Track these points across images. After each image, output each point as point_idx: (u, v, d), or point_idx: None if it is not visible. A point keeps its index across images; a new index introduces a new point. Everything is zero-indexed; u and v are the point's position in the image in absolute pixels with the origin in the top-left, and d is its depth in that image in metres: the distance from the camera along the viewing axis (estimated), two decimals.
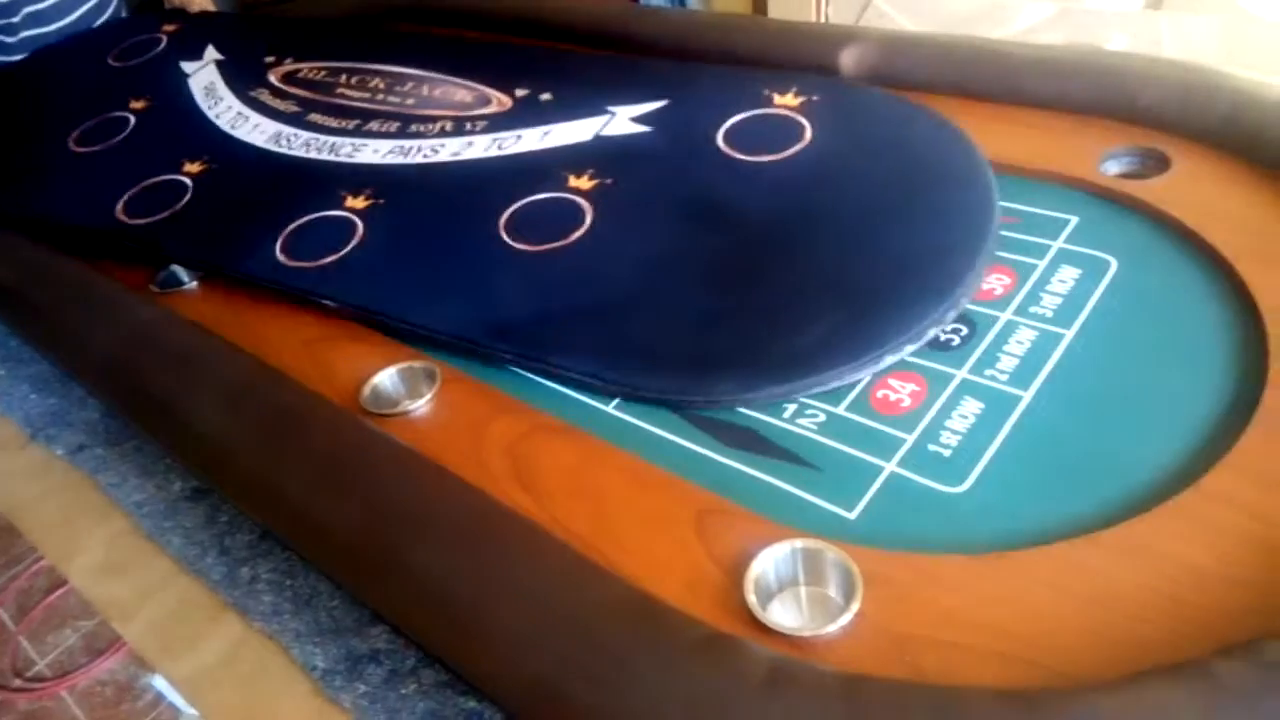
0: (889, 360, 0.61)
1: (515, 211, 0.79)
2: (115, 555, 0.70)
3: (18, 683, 1.70)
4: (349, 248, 0.80)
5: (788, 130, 0.78)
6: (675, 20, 1.14)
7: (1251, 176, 0.69)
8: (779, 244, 0.70)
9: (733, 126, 0.80)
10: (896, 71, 0.88)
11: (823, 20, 1.72)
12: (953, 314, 0.63)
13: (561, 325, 0.69)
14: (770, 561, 0.51)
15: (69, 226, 0.96)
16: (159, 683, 1.61)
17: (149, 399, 0.73)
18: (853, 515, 0.55)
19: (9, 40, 1.34)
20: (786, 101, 0.81)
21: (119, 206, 0.94)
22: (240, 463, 0.65)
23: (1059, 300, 0.65)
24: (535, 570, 0.51)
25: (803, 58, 0.93)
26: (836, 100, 0.81)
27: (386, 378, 0.70)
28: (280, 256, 0.81)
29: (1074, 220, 0.71)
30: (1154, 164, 0.74)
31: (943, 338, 0.63)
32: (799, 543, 0.51)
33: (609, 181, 0.79)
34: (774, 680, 0.43)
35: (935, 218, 0.68)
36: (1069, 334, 0.62)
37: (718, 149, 0.79)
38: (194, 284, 0.87)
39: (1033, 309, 0.65)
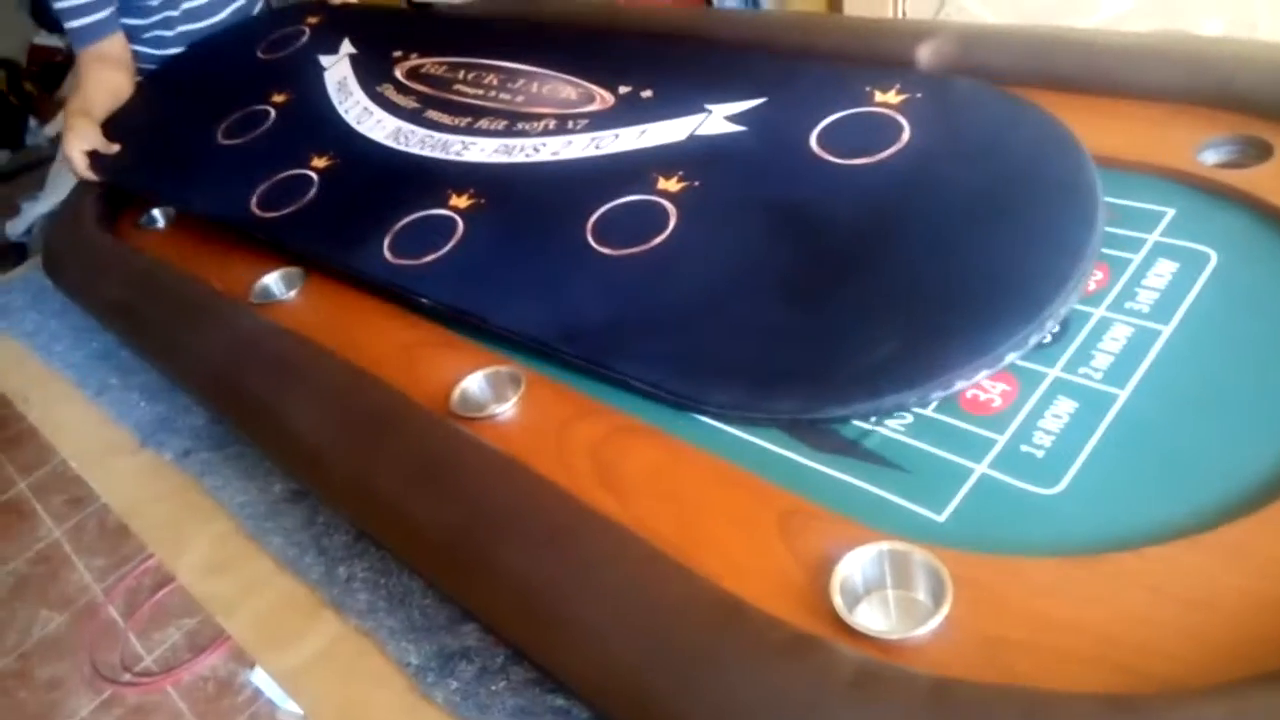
0: (960, 385, 0.58)
1: (603, 214, 0.79)
2: (219, 554, 0.73)
3: (127, 677, 1.79)
4: (449, 247, 0.82)
5: (885, 130, 0.75)
6: (752, 22, 1.14)
7: None
8: (859, 255, 0.67)
9: (828, 126, 0.78)
10: (976, 64, 0.86)
11: (901, 16, 1.70)
12: (1035, 339, 0.58)
13: (630, 332, 0.69)
14: (857, 564, 0.51)
15: (211, 217, 1.02)
16: (257, 678, 1.67)
17: (250, 404, 0.76)
18: (942, 518, 0.54)
19: (167, 34, 1.43)
20: (888, 99, 0.78)
21: (254, 199, 0.99)
22: (335, 464, 0.67)
23: (1156, 295, 0.63)
24: (618, 569, 0.52)
25: (881, 54, 0.92)
26: (940, 98, 0.77)
27: (474, 382, 0.72)
28: (387, 254, 0.85)
29: (1170, 212, 0.68)
30: (1254, 152, 0.71)
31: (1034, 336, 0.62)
32: (886, 545, 0.51)
33: (697, 184, 0.78)
34: (861, 682, 0.43)
35: (1028, 233, 0.64)
36: (1166, 330, 0.60)
37: (810, 150, 0.76)
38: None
39: (1128, 304, 0.63)
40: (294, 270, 0.92)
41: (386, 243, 0.86)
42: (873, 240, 0.68)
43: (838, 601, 0.50)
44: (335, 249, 0.89)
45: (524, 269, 0.78)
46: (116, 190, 1.20)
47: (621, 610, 0.50)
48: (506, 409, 0.69)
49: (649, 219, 0.77)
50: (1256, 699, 0.38)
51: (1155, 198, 0.70)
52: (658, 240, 0.75)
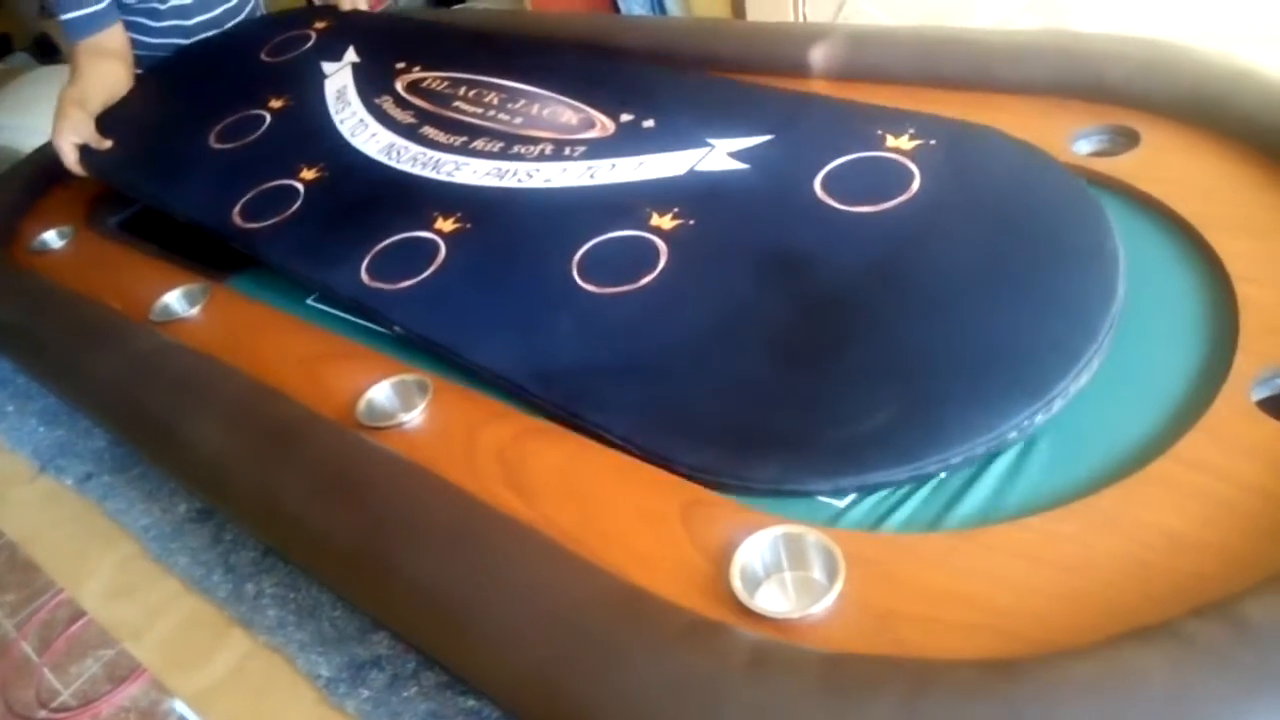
0: (955, 461, 0.54)
1: (591, 248, 0.74)
2: (124, 578, 0.72)
3: (43, 714, 1.72)
4: (428, 273, 0.78)
5: (894, 178, 0.70)
6: (655, 29, 1.16)
7: (1219, 146, 0.70)
8: (855, 311, 0.63)
9: (835, 170, 0.73)
10: (867, 64, 0.89)
11: (802, 19, 1.74)
12: (1042, 418, 0.54)
13: (606, 378, 0.65)
14: (754, 549, 0.52)
15: (192, 224, 0.98)
16: (180, 706, 1.62)
17: (150, 425, 0.75)
18: (843, 504, 0.56)
19: (153, 25, 1.37)
20: (900, 144, 0.73)
21: (237, 208, 0.95)
22: (239, 480, 0.66)
23: None
24: (522, 569, 0.53)
25: (778, 58, 0.94)
26: (954, 146, 0.72)
27: (380, 391, 0.71)
28: (364, 275, 0.81)
29: None
30: (1124, 141, 0.75)
31: None
32: (781, 529, 0.53)
33: (692, 222, 0.74)
34: (757, 662, 0.45)
35: (1041, 301, 0.59)
36: None
37: (813, 194, 0.72)
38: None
39: None
40: (195, 287, 0.90)
41: (365, 264, 0.81)
42: (872, 295, 0.63)
43: (737, 586, 0.51)
44: (312, 266, 0.85)
45: (502, 302, 0.74)
46: (9, 210, 1.16)
47: (525, 609, 0.51)
48: (414, 416, 0.68)
49: (639, 256, 0.72)
50: (1123, 655, 0.41)
51: None
52: (645, 280, 0.70)
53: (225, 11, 1.42)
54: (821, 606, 0.49)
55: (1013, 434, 0.54)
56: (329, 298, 0.83)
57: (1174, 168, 0.70)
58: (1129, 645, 0.41)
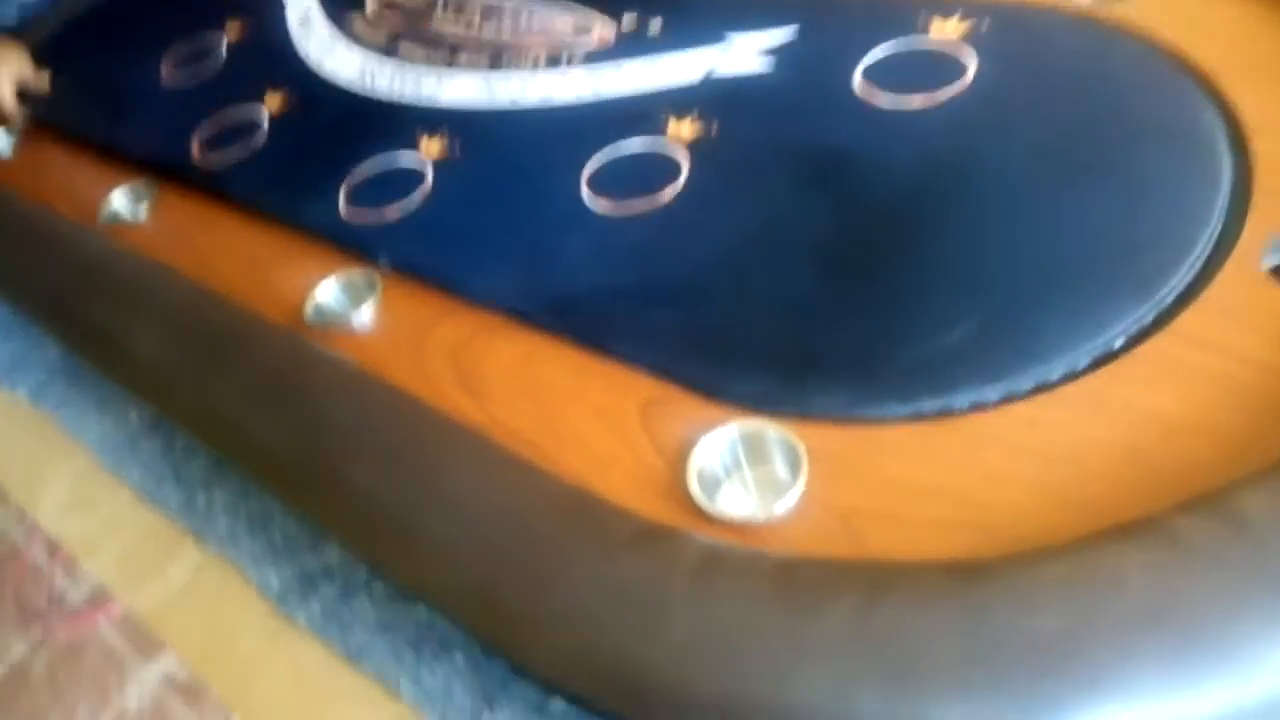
0: (1055, 378, 0.47)
1: (602, 164, 0.67)
2: (80, 491, 0.70)
3: (55, 615, 1.77)
4: (415, 200, 0.72)
5: (946, 67, 0.63)
6: None
7: None
8: (915, 216, 0.56)
9: (875, 64, 0.65)
10: None
11: None
12: (1151, 317, 0.48)
13: (633, 304, 0.58)
14: (712, 449, 0.49)
15: (149, 163, 0.90)
16: None
17: (94, 332, 0.72)
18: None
19: None
20: (946, 30, 0.65)
21: (195, 143, 0.88)
22: (181, 389, 0.63)
23: None
24: (467, 475, 0.49)
25: None
26: (1012, 27, 0.64)
27: (327, 292, 0.67)
28: (343, 206, 0.74)
29: None
30: None
31: None
32: (739, 426, 0.49)
33: (715, 130, 0.66)
34: (706, 568, 0.41)
35: (1137, 185, 0.53)
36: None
37: (852, 93, 0.64)
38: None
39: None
40: (139, 184, 0.85)
41: (343, 194, 0.75)
42: (934, 198, 0.57)
43: (694, 489, 0.47)
44: (284, 200, 0.78)
45: (504, 228, 0.67)
46: None
47: (466, 517, 0.48)
48: (363, 317, 0.64)
49: (657, 171, 0.65)
50: (1101, 553, 0.37)
51: None
52: (667, 196, 0.63)
53: None
54: (782, 507, 0.45)
55: (1120, 340, 0.47)
56: (309, 233, 0.75)
57: (1185, 9, 0.62)
58: (1108, 543, 0.37)
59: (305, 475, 0.55)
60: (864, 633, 0.36)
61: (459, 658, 0.50)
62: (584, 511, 0.46)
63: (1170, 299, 0.48)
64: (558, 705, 0.46)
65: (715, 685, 0.38)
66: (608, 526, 0.45)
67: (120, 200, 0.85)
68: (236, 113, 0.89)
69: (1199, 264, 0.49)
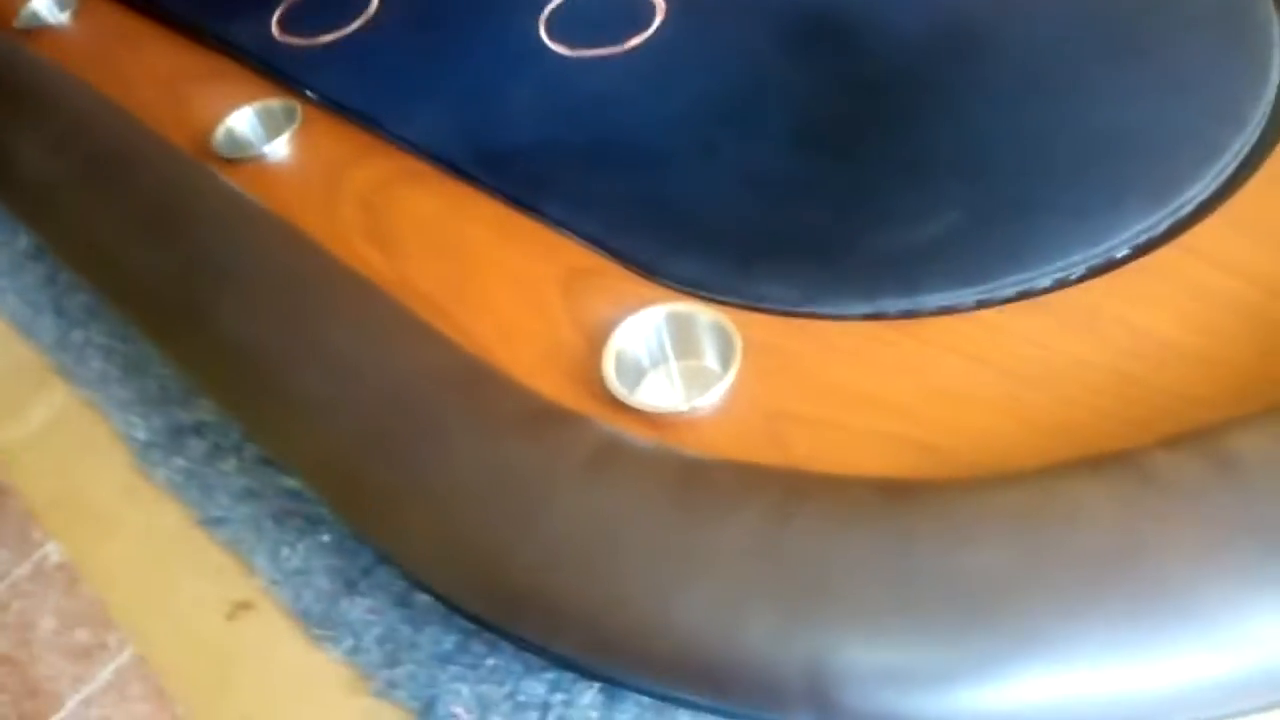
0: (1043, 285, 0.40)
1: (565, 1, 0.60)
2: None
3: None
4: (353, 26, 0.64)
5: None
6: None
7: None
8: (914, 88, 0.49)
9: None
10: None
11: None
12: (1165, 227, 0.41)
13: (575, 161, 0.52)
14: (635, 332, 0.42)
15: None
16: None
17: None
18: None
19: None
20: None
21: None
22: (61, 208, 0.56)
23: None
24: (352, 333, 0.43)
25: None
26: None
27: (241, 119, 0.60)
28: (274, 29, 0.66)
29: None
30: None
31: None
32: (668, 309, 0.42)
33: None
34: (601, 460, 0.35)
35: (1169, 78, 0.46)
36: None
37: None
38: None
39: None
40: None
41: (278, 14, 0.67)
42: (938, 70, 0.49)
43: (608, 371, 0.41)
44: (211, 15, 0.70)
45: (446, 64, 0.60)
46: None
47: (344, 377, 0.41)
48: (276, 149, 0.57)
49: (627, 11, 0.58)
50: (1061, 486, 0.31)
51: None
52: (635, 41, 0.57)
53: None
54: (705, 401, 0.39)
55: (1123, 250, 0.40)
56: (237, 55, 0.67)
57: None
58: (1071, 474, 0.31)
59: (177, 315, 0.48)
60: (766, 548, 0.30)
61: (325, 537, 0.44)
62: (477, 385, 0.40)
63: (1188, 209, 0.41)
64: (424, 598, 0.40)
65: (589, 592, 0.32)
66: (500, 404, 0.39)
67: (43, 1, 0.76)
68: None
69: (1226, 172, 0.42)
